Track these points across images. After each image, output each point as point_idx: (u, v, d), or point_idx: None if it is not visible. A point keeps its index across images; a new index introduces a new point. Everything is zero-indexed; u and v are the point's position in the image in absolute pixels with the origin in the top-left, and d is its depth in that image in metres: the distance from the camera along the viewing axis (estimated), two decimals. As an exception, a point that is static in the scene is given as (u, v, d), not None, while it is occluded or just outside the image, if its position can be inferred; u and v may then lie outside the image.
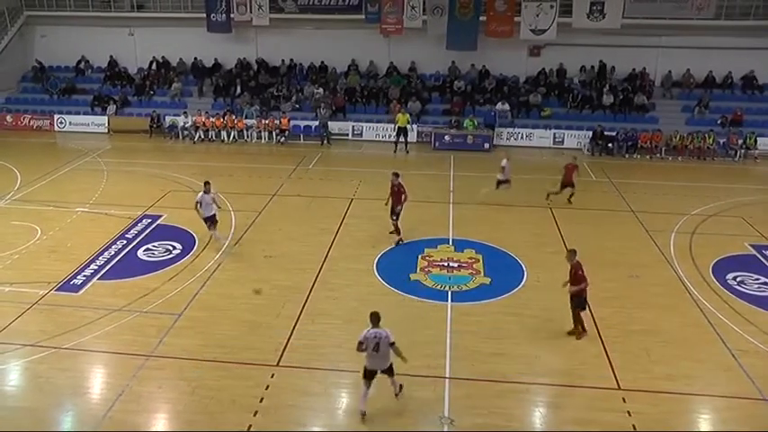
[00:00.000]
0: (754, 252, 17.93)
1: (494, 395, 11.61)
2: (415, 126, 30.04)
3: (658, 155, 28.71)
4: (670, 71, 31.83)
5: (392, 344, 10.55)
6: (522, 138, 30.34)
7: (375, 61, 33.53)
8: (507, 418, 11.12)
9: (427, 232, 18.71)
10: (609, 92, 31.09)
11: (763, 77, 31.18)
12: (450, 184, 24.09)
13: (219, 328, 13.63)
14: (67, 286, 15.29)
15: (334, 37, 32.98)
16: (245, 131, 30.51)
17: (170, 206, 20.37)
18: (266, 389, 11.52)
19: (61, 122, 32.06)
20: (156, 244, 17.72)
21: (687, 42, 31.05)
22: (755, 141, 28.45)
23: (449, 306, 14.68)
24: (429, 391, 11.61)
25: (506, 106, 30.92)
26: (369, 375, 10.73)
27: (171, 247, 17.38)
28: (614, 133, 29.15)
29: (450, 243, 18.16)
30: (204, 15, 32.22)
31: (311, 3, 32.20)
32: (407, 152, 28.80)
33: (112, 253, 17.15)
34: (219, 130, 30.28)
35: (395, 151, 28.82)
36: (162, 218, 19.51)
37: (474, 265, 16.79)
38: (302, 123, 30.93)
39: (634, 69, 31.82)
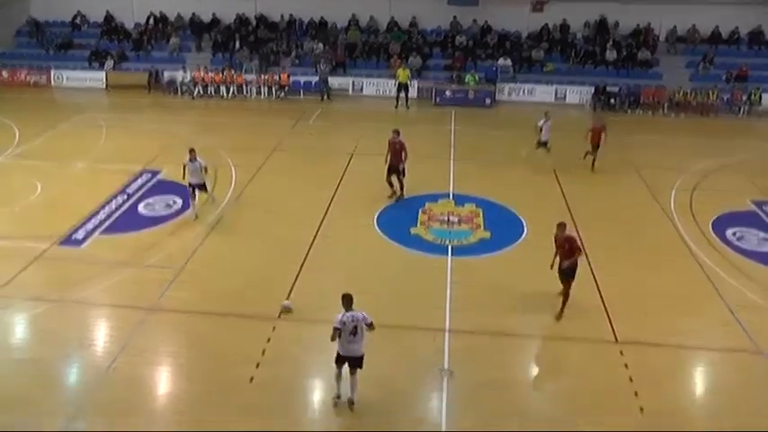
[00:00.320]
0: (755, 208, 17.91)
1: (493, 347, 11.74)
2: (415, 81, 29.76)
3: (661, 111, 28.48)
4: (675, 26, 31.40)
5: (370, 324, 9.73)
6: (523, 93, 30.07)
7: (375, 16, 33.00)
8: (506, 370, 11.27)
9: (428, 187, 18.67)
10: (612, 47, 30.69)
11: (771, 33, 30.72)
12: (451, 139, 23.95)
13: (220, 281, 13.71)
14: (69, 241, 15.33)
15: (334, -8, 32.47)
16: (244, 87, 30.20)
17: (170, 161, 20.26)
18: (268, 341, 11.63)
19: (58, 77, 31.66)
20: (156, 198, 17.71)
21: (693, -3, 30.57)
22: (760, 97, 28.15)
23: (449, 260, 14.75)
24: (429, 343, 11.73)
25: (508, 61, 30.54)
26: (343, 360, 9.95)
27: (171, 202, 17.36)
28: (617, 89, 28.89)
29: (451, 197, 18.15)
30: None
31: (311, -44, 31.60)
32: (408, 107, 28.59)
33: (113, 208, 17.15)
34: (219, 86, 29.99)
35: (395, 106, 28.61)
36: (162, 173, 19.46)
37: (474, 220, 16.81)
38: (302, 79, 30.57)
39: (638, 25, 31.36)
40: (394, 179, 17.59)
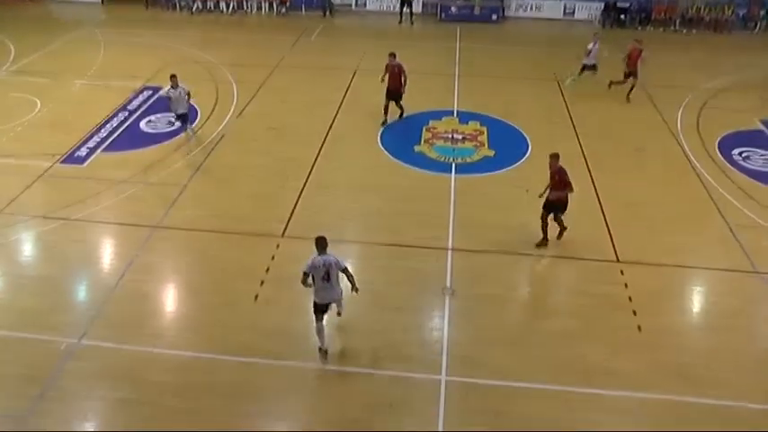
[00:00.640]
0: (763, 128, 17.68)
1: (496, 265, 11.86)
2: (420, -4, 28.98)
3: (672, 27, 27.75)
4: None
5: (344, 269, 9.19)
6: (531, 9, 29.39)
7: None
8: (508, 288, 11.45)
9: (432, 104, 18.44)
10: (624, -40, 29.61)
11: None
12: (456, 56, 23.45)
13: (224, 199, 13.77)
14: (72, 158, 15.28)
15: None
16: (244, 2, 29.38)
17: (170, 78, 19.98)
18: (272, 259, 11.76)
19: (53, -9, 30.81)
20: (158, 116, 17.53)
21: None
22: (779, 12, 27.30)
23: (452, 178, 14.72)
24: (432, 261, 11.85)
25: (516, -25, 29.60)
26: (321, 309, 9.46)
27: (173, 119, 17.18)
28: (627, 4, 28.12)
29: (455, 115, 17.95)
30: None
31: None
32: (412, 23, 27.94)
33: (115, 125, 17.01)
34: (218, 1, 29.22)
35: (399, 22, 27.98)
36: (163, 90, 19.14)
37: (478, 138, 16.67)
38: (304, -7, 29.74)
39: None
40: (392, 105, 17.15)
